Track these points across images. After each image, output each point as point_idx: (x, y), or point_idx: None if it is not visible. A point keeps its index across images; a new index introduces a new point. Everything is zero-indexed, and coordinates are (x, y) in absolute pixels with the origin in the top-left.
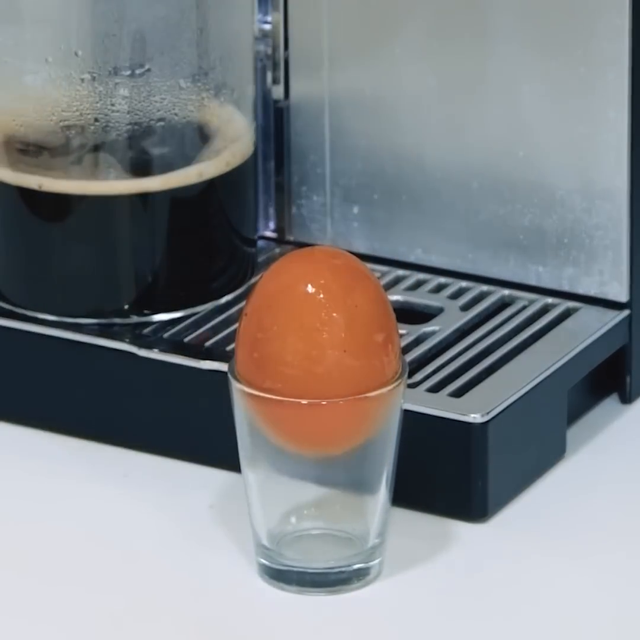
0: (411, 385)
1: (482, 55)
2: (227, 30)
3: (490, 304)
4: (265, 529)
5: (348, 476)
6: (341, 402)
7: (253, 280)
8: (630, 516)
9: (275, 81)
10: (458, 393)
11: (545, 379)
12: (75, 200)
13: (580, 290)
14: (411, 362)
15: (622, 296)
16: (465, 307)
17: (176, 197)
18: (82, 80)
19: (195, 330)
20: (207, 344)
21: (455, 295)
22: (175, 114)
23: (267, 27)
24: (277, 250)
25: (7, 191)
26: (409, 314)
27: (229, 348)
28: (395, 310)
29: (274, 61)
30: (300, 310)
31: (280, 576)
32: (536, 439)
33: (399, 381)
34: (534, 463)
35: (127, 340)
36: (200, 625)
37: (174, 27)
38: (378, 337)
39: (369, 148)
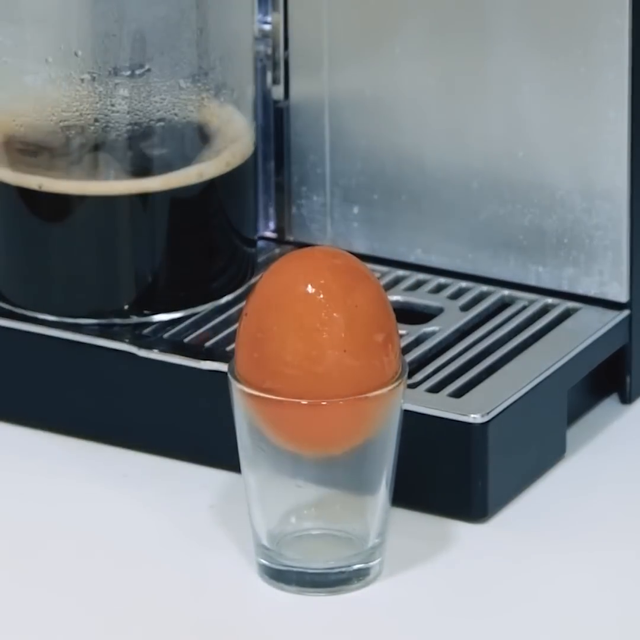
0: (411, 385)
1: (482, 55)
2: (227, 30)
3: (490, 304)
4: (265, 529)
5: (348, 476)
6: (341, 402)
7: (253, 280)
8: (630, 516)
9: (275, 81)
10: (458, 393)
11: (545, 379)
12: (75, 200)
13: (580, 290)
14: (411, 362)
15: (622, 296)
16: (465, 308)
17: (176, 198)
18: (82, 80)
19: (195, 331)
20: (207, 344)
21: (455, 296)
22: (175, 114)
23: (267, 27)
24: (277, 250)
25: (7, 191)
26: (409, 314)
27: (229, 348)
28: (395, 310)
29: (274, 61)
30: (300, 310)
31: (280, 576)
32: (536, 439)
33: (399, 381)
34: (534, 463)
35: (127, 340)
36: (200, 625)
37: (174, 27)
38: (378, 337)
39: (369, 148)
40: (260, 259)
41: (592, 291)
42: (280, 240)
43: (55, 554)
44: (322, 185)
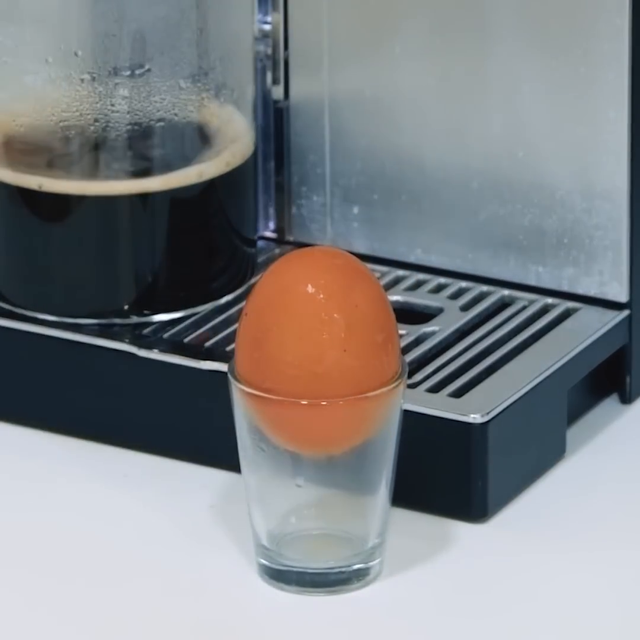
0: (411, 385)
1: (482, 55)
2: (227, 30)
3: (490, 304)
4: (265, 529)
5: (348, 476)
6: (341, 402)
7: (253, 280)
8: (631, 516)
9: (275, 81)
10: (458, 393)
11: (545, 379)
12: (75, 200)
13: (580, 290)
14: (411, 362)
15: (622, 296)
16: (465, 307)
17: (176, 198)
18: (82, 80)
19: (195, 331)
20: (207, 344)
21: (455, 296)
22: (175, 114)
23: (267, 27)
24: (277, 250)
25: (7, 191)
26: (409, 314)
27: (229, 348)
28: (395, 310)
29: (274, 61)
30: (300, 310)
31: (280, 576)
32: (536, 439)
33: (399, 381)
34: (534, 463)
35: (127, 340)
36: (200, 625)
37: (174, 27)
38: (378, 337)
39: (369, 148)
40: (260, 259)
41: (592, 291)
42: (280, 240)
43: (55, 554)
44: (322, 185)
